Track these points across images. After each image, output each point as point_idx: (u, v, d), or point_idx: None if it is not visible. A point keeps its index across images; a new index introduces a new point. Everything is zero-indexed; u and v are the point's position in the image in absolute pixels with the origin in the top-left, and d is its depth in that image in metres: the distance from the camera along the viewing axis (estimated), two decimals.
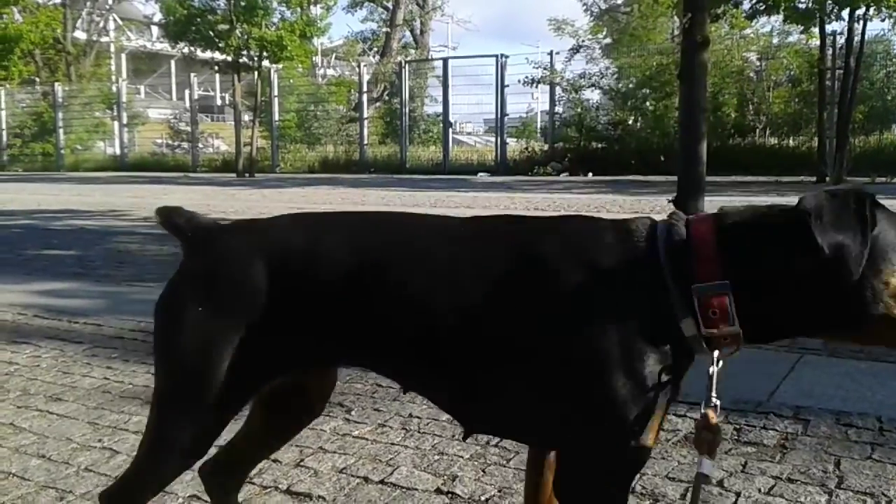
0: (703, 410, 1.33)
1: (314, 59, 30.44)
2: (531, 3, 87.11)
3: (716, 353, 1.32)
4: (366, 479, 2.29)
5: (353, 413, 2.84)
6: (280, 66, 24.54)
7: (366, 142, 25.03)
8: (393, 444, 2.54)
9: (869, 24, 14.44)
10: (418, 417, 2.76)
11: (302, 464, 2.41)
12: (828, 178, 14.08)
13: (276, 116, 25.85)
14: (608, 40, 25.11)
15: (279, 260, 1.48)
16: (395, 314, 1.44)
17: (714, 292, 1.29)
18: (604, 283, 1.33)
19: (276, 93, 25.90)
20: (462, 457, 2.42)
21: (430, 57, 34.52)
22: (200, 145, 29.11)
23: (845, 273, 1.23)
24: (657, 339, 1.30)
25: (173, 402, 1.52)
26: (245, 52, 22.33)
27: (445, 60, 25.04)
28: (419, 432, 2.63)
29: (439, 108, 24.92)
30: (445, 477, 2.29)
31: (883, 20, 14.96)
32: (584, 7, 27.91)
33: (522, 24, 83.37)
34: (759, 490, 2.16)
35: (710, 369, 1.33)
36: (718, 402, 1.33)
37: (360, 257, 1.47)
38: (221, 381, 1.46)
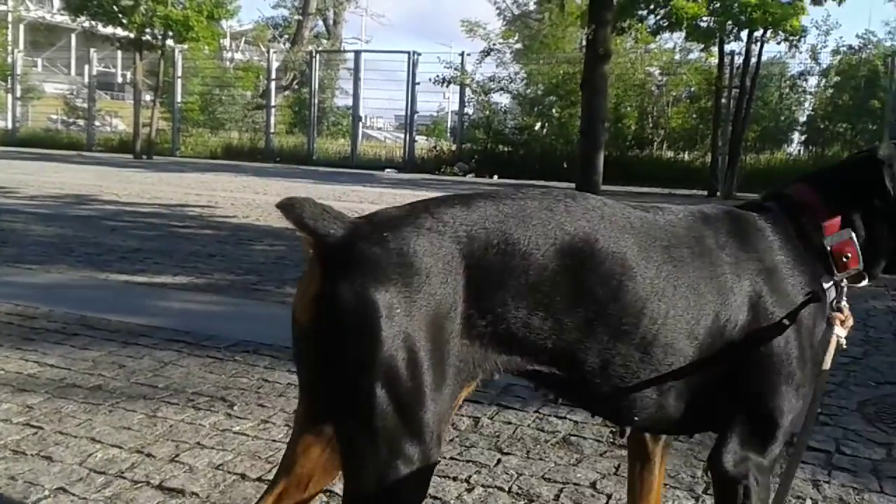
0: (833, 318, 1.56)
1: (222, 41, 29.66)
2: (448, 3, 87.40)
3: (843, 281, 1.57)
4: (243, 476, 2.25)
5: (235, 408, 2.79)
6: (185, 46, 23.80)
7: (272, 130, 24.55)
8: (275, 440, 2.50)
9: (766, 45, 15.13)
10: None
11: (177, 459, 2.35)
12: (718, 193, 14.67)
13: (179, 98, 25.06)
14: (519, 45, 25.46)
15: (470, 244, 1.34)
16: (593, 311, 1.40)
17: (841, 240, 1.56)
18: (781, 263, 1.54)
19: (179, 74, 25.11)
20: None
21: (342, 48, 34.17)
22: (97, 123, 27.90)
23: None
24: (822, 297, 1.53)
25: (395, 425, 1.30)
26: (149, 30, 21.55)
27: (357, 53, 24.78)
28: None
29: (350, 101, 24.69)
30: None
31: (779, 43, 15.67)
32: (498, 11, 28.22)
33: (438, 23, 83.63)
34: None
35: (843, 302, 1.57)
36: (847, 306, 1.57)
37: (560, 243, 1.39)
38: (440, 384, 1.31)
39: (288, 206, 1.37)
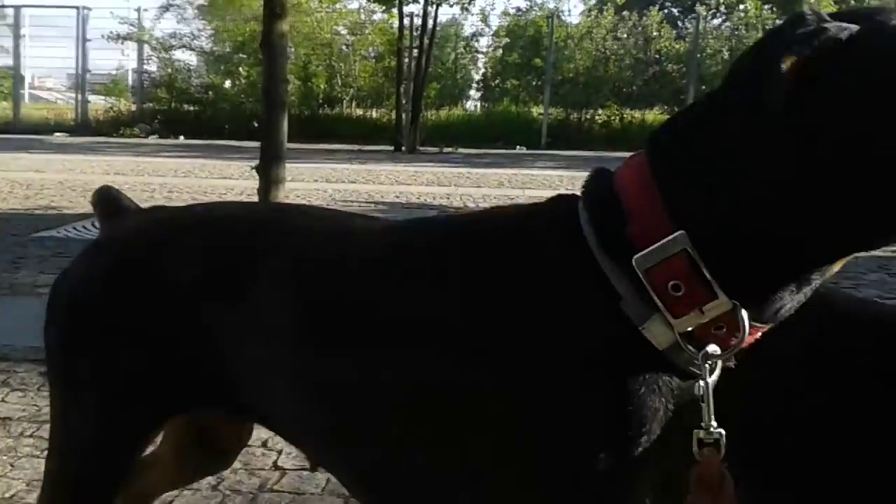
0: (695, 448, 0.82)
1: None
2: None
3: (707, 350, 0.79)
4: None
5: None
6: None
7: None
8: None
9: (441, 8, 16.00)
10: None
11: None
12: (403, 148, 15.38)
13: None
14: (203, 1, 24.32)
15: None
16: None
17: (662, 256, 0.78)
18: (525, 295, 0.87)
19: None
20: None
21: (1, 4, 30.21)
22: None
23: None
24: (605, 366, 0.82)
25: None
26: None
27: (17, 8, 22.12)
28: None
29: (10, 61, 22.01)
30: None
31: (452, 6, 16.61)
32: None
33: None
34: None
35: (700, 382, 0.80)
36: (723, 433, 0.81)
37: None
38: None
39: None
